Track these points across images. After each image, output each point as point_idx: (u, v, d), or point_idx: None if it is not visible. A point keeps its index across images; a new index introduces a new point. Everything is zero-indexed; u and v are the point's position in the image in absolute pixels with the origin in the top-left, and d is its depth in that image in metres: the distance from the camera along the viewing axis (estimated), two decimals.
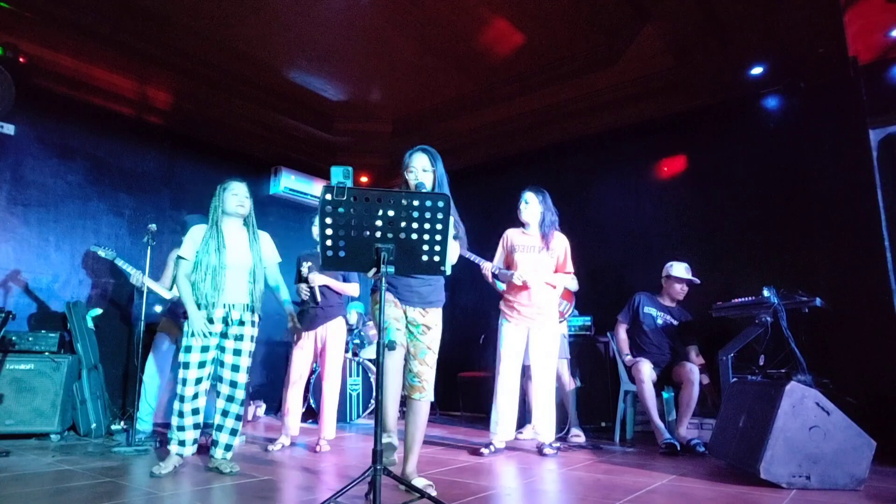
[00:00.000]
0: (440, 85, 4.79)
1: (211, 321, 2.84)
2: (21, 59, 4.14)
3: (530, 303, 3.61)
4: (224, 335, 2.89)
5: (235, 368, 2.89)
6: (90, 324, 4.28)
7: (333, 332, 3.75)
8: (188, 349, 2.81)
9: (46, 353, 3.91)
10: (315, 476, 2.82)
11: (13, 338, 3.83)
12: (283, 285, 3.25)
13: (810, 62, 4.13)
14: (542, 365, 3.59)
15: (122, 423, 4.16)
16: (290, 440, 3.66)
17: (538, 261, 3.65)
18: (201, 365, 2.82)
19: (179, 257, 2.91)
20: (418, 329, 2.51)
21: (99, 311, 4.38)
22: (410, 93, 4.96)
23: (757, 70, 4.31)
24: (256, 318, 3.01)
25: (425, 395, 2.49)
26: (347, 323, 5.86)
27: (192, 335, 2.80)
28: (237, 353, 2.90)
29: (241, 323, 2.91)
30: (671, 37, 4.00)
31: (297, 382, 3.68)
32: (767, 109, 4.57)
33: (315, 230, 3.87)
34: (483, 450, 3.44)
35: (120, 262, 4.05)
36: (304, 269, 3.79)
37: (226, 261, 2.87)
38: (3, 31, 3.94)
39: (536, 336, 3.62)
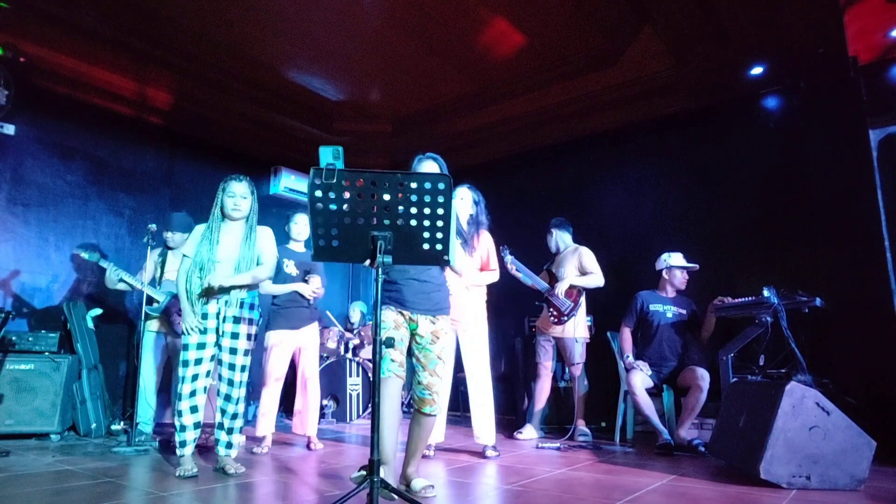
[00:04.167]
0: (440, 85, 4.79)
1: (204, 316, 2.83)
2: (21, 59, 4.15)
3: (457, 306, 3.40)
4: (221, 332, 2.87)
5: (231, 367, 2.87)
6: (90, 324, 4.27)
7: (314, 333, 3.82)
8: (185, 346, 2.81)
9: (46, 353, 3.91)
10: (314, 477, 2.82)
11: (13, 338, 3.83)
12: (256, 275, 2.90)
13: (810, 62, 4.13)
14: (476, 368, 3.46)
15: (122, 423, 4.16)
16: (269, 441, 3.57)
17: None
18: (198, 362, 2.80)
19: (184, 255, 2.92)
20: (427, 339, 2.40)
21: (99, 311, 4.37)
22: (410, 93, 4.96)
23: (757, 70, 4.31)
24: (253, 316, 2.97)
25: (435, 409, 2.37)
26: (350, 321, 5.89)
27: (187, 332, 2.81)
28: (233, 351, 2.88)
29: (237, 320, 2.89)
30: (671, 37, 4.00)
31: (276, 382, 3.61)
32: (767, 109, 4.57)
33: (294, 227, 3.77)
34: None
35: (104, 264, 3.98)
36: (294, 271, 3.76)
37: (216, 256, 2.85)
38: (3, 31, 3.94)
39: (464, 339, 3.47)
